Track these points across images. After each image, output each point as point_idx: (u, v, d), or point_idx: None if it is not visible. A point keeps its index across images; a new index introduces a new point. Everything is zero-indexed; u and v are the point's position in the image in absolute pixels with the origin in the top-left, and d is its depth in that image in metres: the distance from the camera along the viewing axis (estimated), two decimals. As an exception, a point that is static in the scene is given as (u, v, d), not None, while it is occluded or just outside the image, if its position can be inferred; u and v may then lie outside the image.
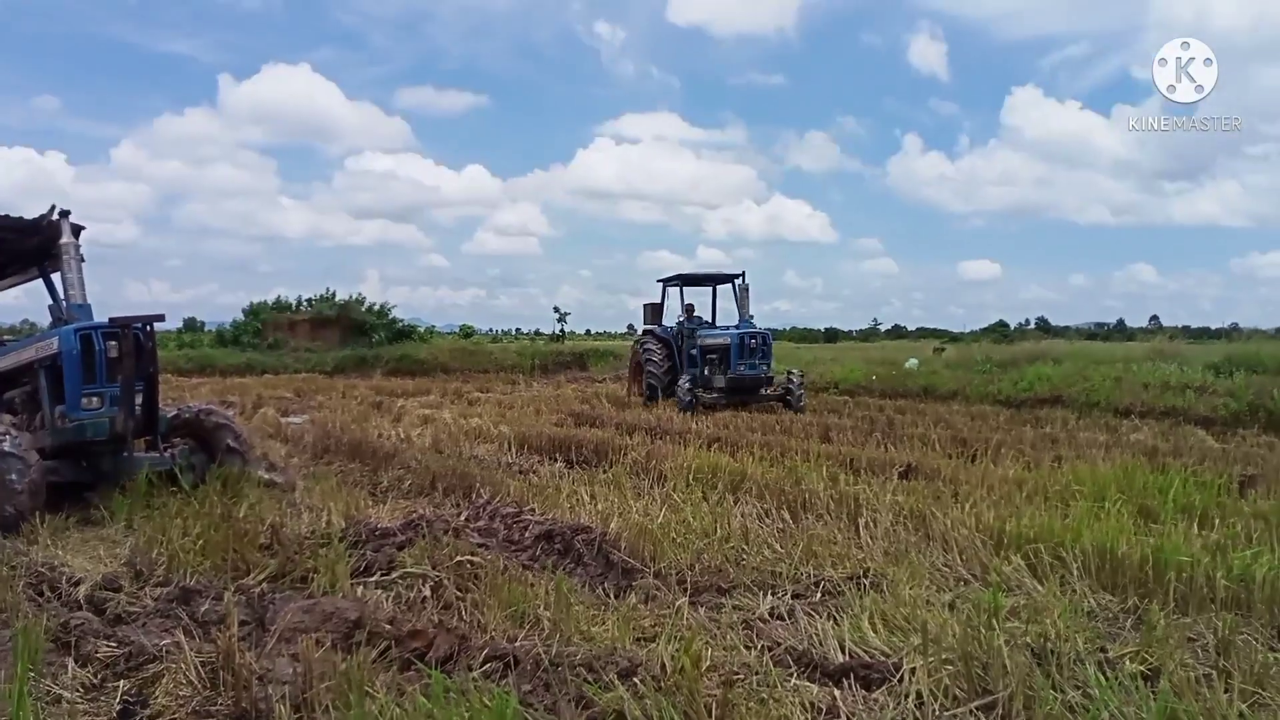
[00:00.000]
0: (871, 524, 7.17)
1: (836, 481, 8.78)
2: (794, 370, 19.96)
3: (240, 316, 40.52)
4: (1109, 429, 15.23)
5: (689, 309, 21.33)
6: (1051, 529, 6.44)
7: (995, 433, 13.95)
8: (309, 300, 41.37)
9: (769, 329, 20.63)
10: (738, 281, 20.52)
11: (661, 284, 21.63)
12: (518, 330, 64.19)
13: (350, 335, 39.10)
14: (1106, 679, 4.10)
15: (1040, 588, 5.56)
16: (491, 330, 62.29)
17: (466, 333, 54.38)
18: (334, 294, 41.18)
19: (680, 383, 19.19)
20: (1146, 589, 5.46)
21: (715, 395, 19.23)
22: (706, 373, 19.76)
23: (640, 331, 22.37)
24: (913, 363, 28.18)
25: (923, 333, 70.38)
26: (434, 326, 45.30)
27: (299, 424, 15.81)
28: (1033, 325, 53.90)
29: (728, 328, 20.21)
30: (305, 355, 36.32)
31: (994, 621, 4.49)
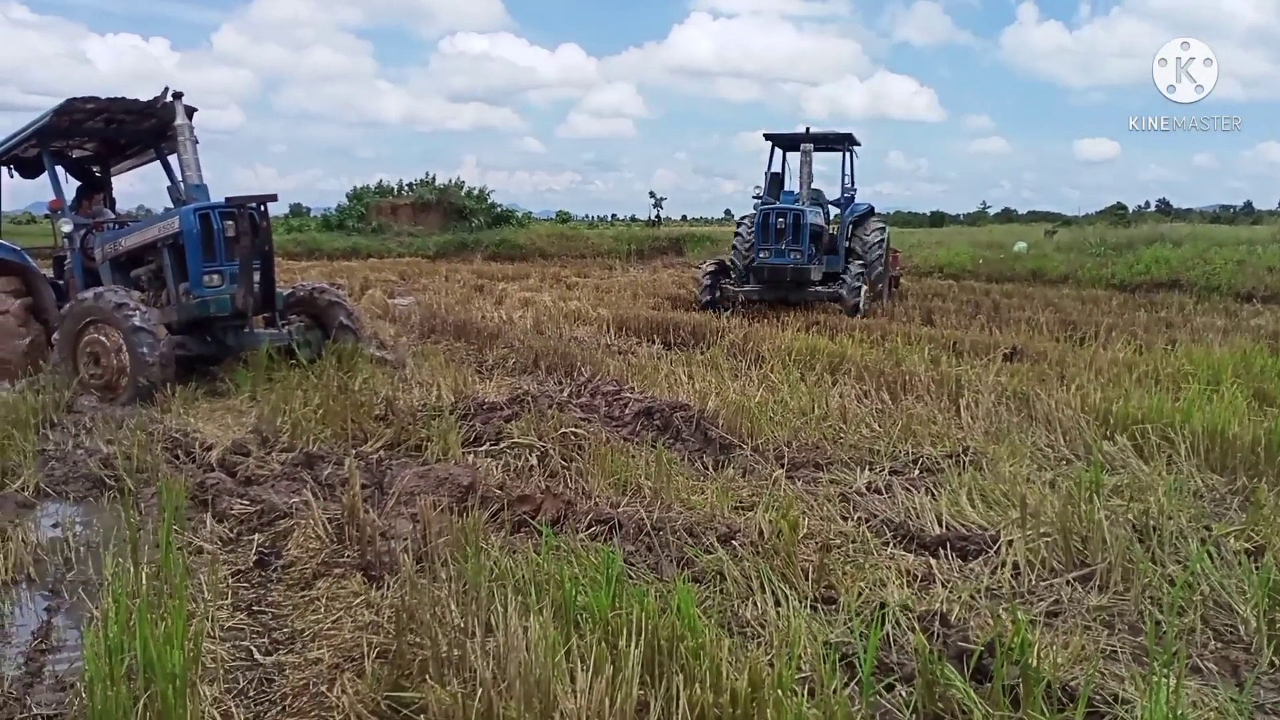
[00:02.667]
0: (973, 404, 7.12)
1: (938, 363, 8.72)
2: (853, 263, 15.54)
3: (344, 201, 41.28)
4: (1228, 314, 14.63)
5: (772, 179, 16.85)
6: (1160, 410, 6.31)
7: (1106, 316, 13.56)
8: (410, 185, 41.86)
9: (862, 205, 16.71)
10: (855, 151, 16.79)
11: (770, 142, 17.01)
12: (613, 216, 63.88)
13: (450, 220, 39.57)
14: (1209, 554, 4.08)
15: (1145, 467, 5.49)
16: (587, 216, 62.12)
17: (564, 218, 54.45)
18: (434, 178, 41.55)
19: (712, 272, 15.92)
20: (1257, 470, 5.34)
21: (742, 289, 15.68)
22: (742, 262, 16.10)
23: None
24: (1021, 246, 27.28)
25: (1034, 216, 67.60)
26: (530, 212, 45.33)
27: (405, 305, 16.25)
28: (1152, 208, 51.23)
29: (771, 203, 15.73)
30: (408, 239, 36.96)
31: (1095, 498, 4.47)
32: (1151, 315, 14.25)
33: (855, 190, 16.62)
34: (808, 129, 15.59)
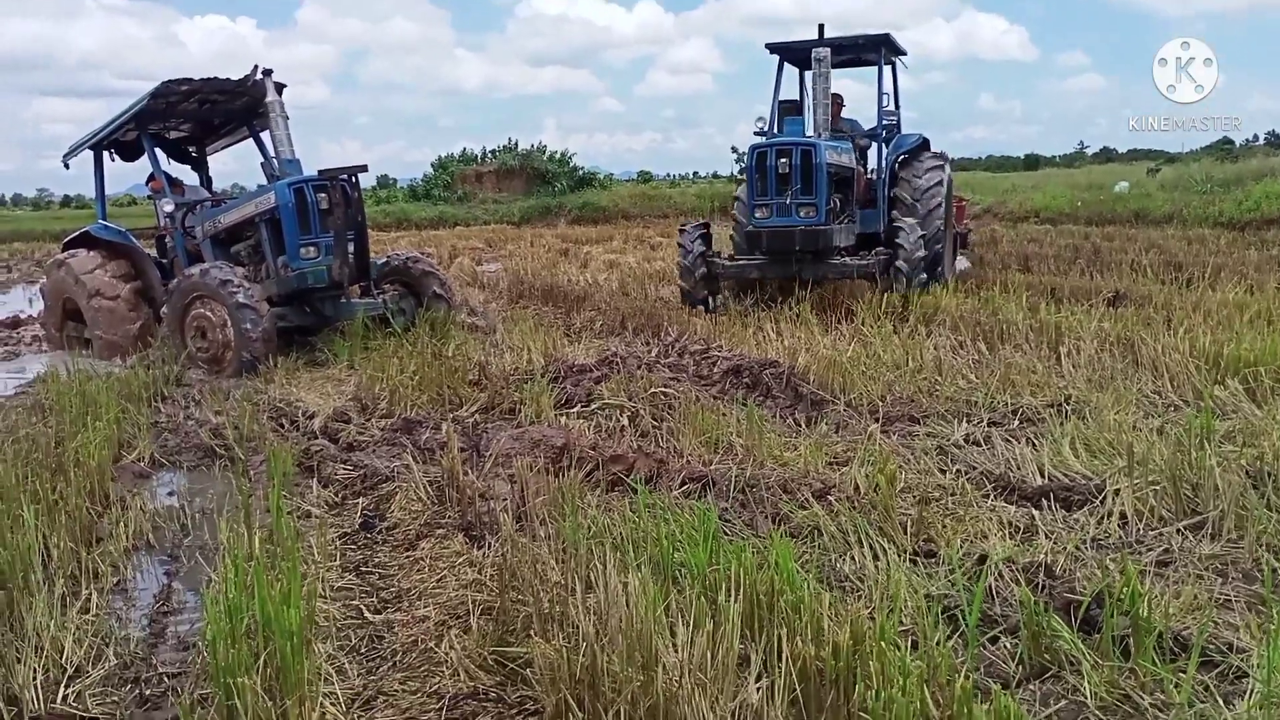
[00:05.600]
0: (1074, 352, 6.92)
1: (1036, 311, 8.48)
2: (904, 219, 10.55)
3: (430, 171, 41.80)
4: (1350, 250, 13.89)
5: (782, 109, 11.30)
6: (1275, 352, 6.04)
7: (1214, 256, 12.99)
8: (493, 151, 42.12)
9: (932, 153, 11.49)
10: (897, 62, 11.87)
11: (777, 55, 11.55)
12: (694, 174, 63.17)
13: (534, 185, 39.75)
14: (1332, 501, 3.92)
15: (1259, 411, 5.28)
16: (669, 175, 61.41)
17: (645, 178, 54.19)
18: (516, 144, 41.74)
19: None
20: (1383, 412, 5.08)
21: (734, 265, 10.81)
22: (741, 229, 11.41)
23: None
24: (1123, 186, 26.23)
25: (1135, 154, 64.62)
26: (611, 174, 45.15)
27: (493, 271, 16.48)
28: (1261, 141, 48.55)
29: (774, 136, 10.70)
30: (493, 206, 37.31)
31: (1205, 444, 4.31)
32: (1263, 254, 13.60)
33: (899, 116, 11.44)
34: (821, 28, 10.65)
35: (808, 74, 11.41)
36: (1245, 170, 23.49)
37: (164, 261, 9.98)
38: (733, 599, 2.82)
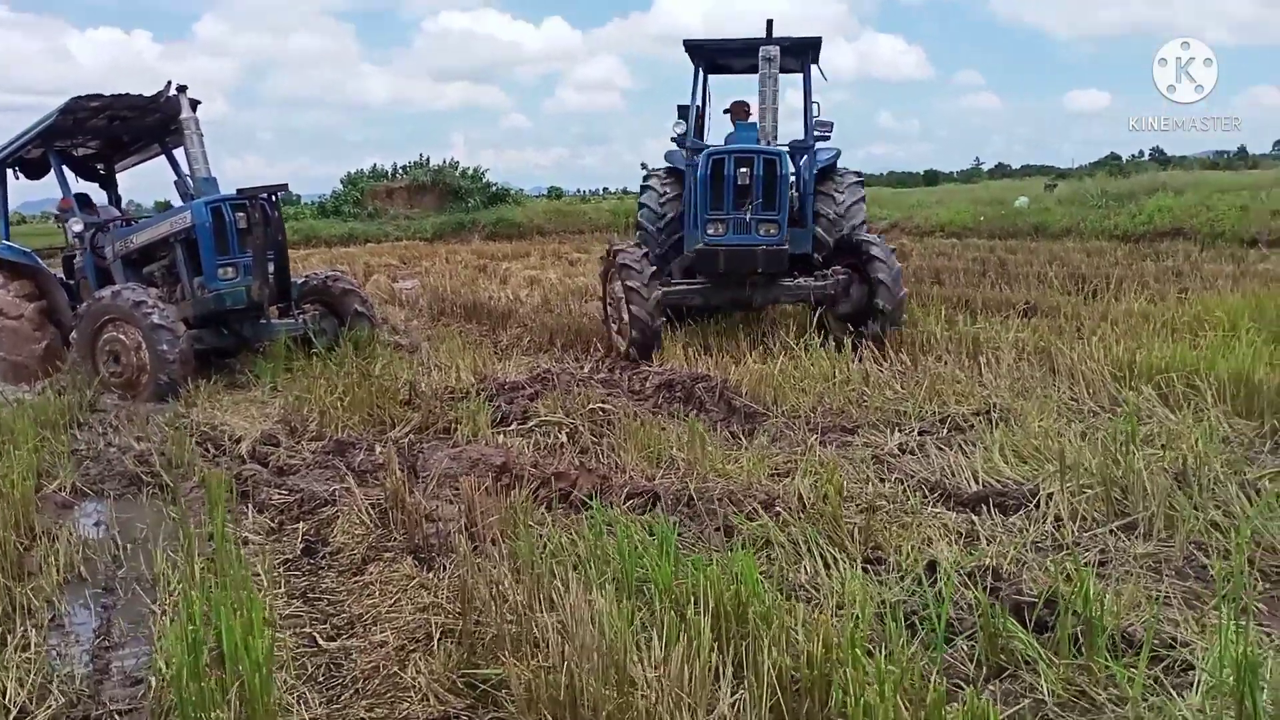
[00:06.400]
0: (994, 362, 7.16)
1: (954, 323, 8.73)
2: (872, 241, 9.21)
3: (339, 187, 41.08)
4: (1235, 260, 14.63)
5: (736, 108, 10.35)
6: (1183, 359, 6.34)
7: (1115, 268, 13.56)
8: (404, 168, 41.60)
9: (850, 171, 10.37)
10: (813, 67, 10.16)
11: (693, 60, 10.16)
12: (605, 190, 63.39)
13: (446, 201, 39.35)
14: (1249, 499, 4.13)
15: (1173, 416, 5.53)
16: (580, 191, 61.56)
17: (556, 194, 54.10)
18: (428, 160, 41.28)
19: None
20: (1285, 414, 5.38)
21: (674, 292, 9.16)
22: (657, 245, 10.02)
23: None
24: (1023, 201, 27.17)
25: (1028, 170, 67.29)
26: (522, 189, 44.97)
27: (410, 289, 16.25)
28: (1147, 157, 50.88)
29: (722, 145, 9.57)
30: (404, 223, 36.79)
31: (1131, 448, 4.51)
32: (1159, 265, 14.24)
33: (829, 127, 9.91)
34: (770, 23, 9.39)
35: (716, 78, 10.51)
36: (1138, 185, 24.58)
37: (70, 283, 9.61)
38: (703, 612, 2.85)
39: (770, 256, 8.80)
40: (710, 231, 8.79)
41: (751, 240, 8.72)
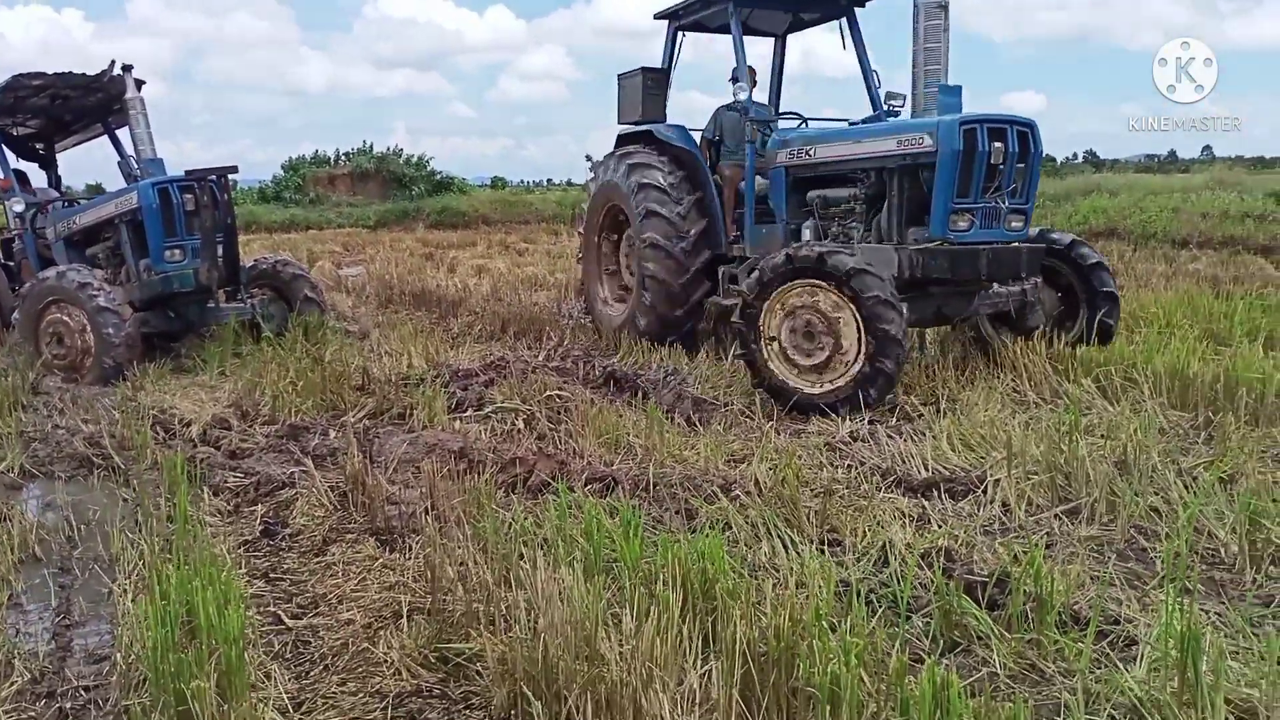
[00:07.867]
0: (940, 354, 7.34)
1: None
2: (1055, 234, 7.60)
3: (280, 172, 40.42)
4: (1167, 260, 15.10)
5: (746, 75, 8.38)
6: (1121, 352, 6.59)
7: (1052, 266, 13.90)
8: (347, 154, 41.08)
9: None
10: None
11: (668, 22, 9.06)
12: (549, 181, 63.09)
13: (390, 189, 38.97)
14: (1185, 486, 4.33)
15: (1112, 407, 5.74)
16: (524, 182, 61.12)
17: (500, 184, 53.77)
18: (371, 147, 40.81)
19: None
20: (1217, 406, 5.61)
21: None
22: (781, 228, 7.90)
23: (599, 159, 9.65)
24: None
25: (967, 171, 68.47)
26: (465, 179, 44.58)
27: (356, 275, 16.09)
28: (1081, 159, 52.15)
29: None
30: (347, 210, 36.34)
31: (1074, 437, 4.68)
32: (1094, 263, 14.63)
33: (900, 101, 8.09)
34: None
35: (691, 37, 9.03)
36: (1074, 186, 25.23)
37: (10, 265, 9.39)
38: (672, 588, 2.93)
39: (1033, 258, 6.93)
40: (960, 226, 6.64)
41: (1004, 236, 6.80)
